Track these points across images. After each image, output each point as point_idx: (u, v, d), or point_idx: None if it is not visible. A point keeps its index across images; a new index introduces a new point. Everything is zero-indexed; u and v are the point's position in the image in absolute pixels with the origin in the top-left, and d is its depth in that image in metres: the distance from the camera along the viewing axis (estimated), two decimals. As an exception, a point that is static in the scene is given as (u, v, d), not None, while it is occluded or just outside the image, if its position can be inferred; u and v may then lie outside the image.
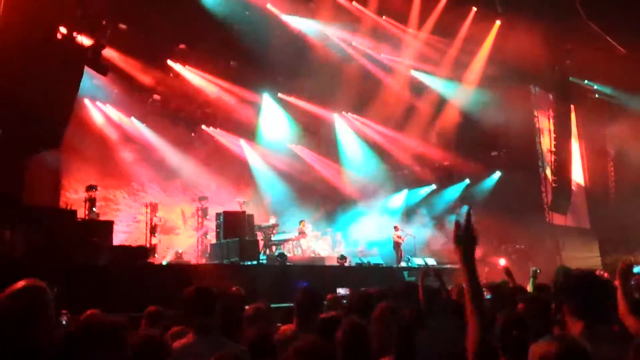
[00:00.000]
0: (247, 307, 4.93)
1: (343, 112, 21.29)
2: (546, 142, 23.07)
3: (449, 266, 16.53)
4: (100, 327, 2.48)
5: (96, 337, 2.43)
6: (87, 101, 15.59)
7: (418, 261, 16.26)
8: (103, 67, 11.77)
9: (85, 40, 10.87)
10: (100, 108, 16.17)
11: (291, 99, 20.01)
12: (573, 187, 23.08)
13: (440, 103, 20.72)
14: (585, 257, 20.99)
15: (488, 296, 5.35)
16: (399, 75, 20.30)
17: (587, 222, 23.85)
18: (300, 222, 16.67)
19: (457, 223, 2.60)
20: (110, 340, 2.44)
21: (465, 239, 2.56)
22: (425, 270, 6.87)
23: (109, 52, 13.95)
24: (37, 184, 10.86)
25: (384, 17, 18.46)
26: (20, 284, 2.77)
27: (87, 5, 10.79)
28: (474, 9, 18.22)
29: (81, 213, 13.03)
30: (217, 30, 16.05)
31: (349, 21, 18.51)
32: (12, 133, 8.88)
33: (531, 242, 20.00)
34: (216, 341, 3.42)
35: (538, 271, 8.12)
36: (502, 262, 18.64)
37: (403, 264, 16.37)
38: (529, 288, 7.37)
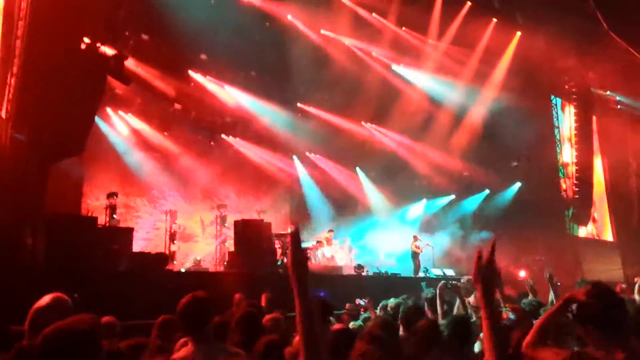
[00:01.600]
0: (265, 317, 4.97)
1: (362, 122, 21.31)
2: (567, 153, 22.87)
3: (467, 277, 16.43)
4: (63, 338, 2.17)
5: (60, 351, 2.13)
6: (109, 110, 15.84)
7: (436, 272, 16.18)
8: (126, 77, 11.95)
9: (108, 50, 11.08)
10: (122, 116, 16.41)
11: (310, 109, 20.12)
12: (594, 199, 22.80)
13: (460, 113, 20.64)
14: (607, 269, 20.69)
15: (512, 316, 5.24)
16: (418, 85, 20.30)
17: (608, 233, 23.51)
18: (329, 231, 16.78)
19: (479, 256, 2.37)
20: (77, 350, 2.15)
21: (486, 274, 2.33)
22: (444, 284, 6.83)
23: (131, 62, 14.18)
24: (59, 192, 11.04)
25: (403, 28, 18.49)
26: (48, 297, 2.86)
27: (110, 17, 11.01)
28: (494, 19, 18.18)
29: (102, 220, 13.20)
30: (238, 41, 16.22)
31: (369, 32, 18.59)
32: (35, 140, 9.06)
33: (552, 253, 19.82)
34: (214, 349, 3.45)
35: (557, 282, 8.01)
36: (522, 273, 18.47)
37: (421, 274, 16.30)
38: (550, 297, 7.27)
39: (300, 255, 2.16)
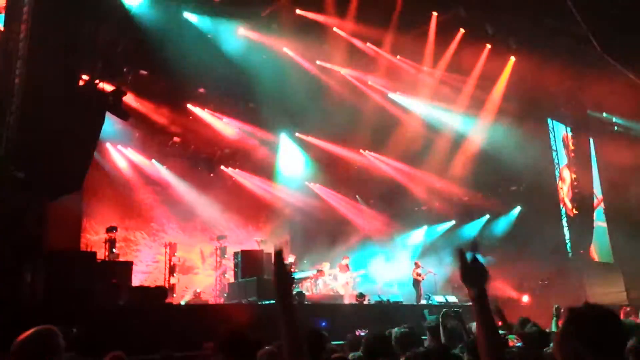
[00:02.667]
0: (260, 351, 4.89)
1: (361, 150, 21.42)
2: (566, 176, 22.91)
3: (470, 304, 16.29)
4: None
5: None
6: (108, 145, 15.95)
7: (439, 299, 16.06)
8: (124, 113, 12.05)
9: (106, 87, 11.22)
10: (121, 151, 16.51)
11: (309, 138, 20.26)
12: (595, 221, 22.75)
13: (458, 139, 20.73)
14: (610, 292, 20.53)
15: (519, 344, 5.19)
16: (415, 112, 20.45)
17: (610, 256, 23.41)
18: (344, 257, 16.84)
19: (462, 256, 2.31)
20: None
21: (473, 274, 2.26)
22: (446, 312, 6.75)
23: (130, 97, 14.34)
24: (59, 227, 11.06)
25: (398, 56, 18.71)
26: (32, 330, 2.90)
27: (108, 54, 11.16)
28: (488, 46, 18.38)
29: (101, 254, 13.20)
30: (235, 74, 16.42)
31: (364, 62, 18.82)
32: (34, 177, 9.10)
33: (554, 277, 19.68)
34: None
35: (562, 309, 7.97)
36: (525, 298, 18.35)
37: (423, 302, 16.18)
38: (552, 326, 7.23)
39: (284, 268, 2.35)
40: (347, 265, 16.77)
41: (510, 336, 5.34)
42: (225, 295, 15.58)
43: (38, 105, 9.01)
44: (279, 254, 2.45)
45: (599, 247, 23.12)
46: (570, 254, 21.59)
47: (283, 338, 2.22)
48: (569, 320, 2.60)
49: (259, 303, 12.49)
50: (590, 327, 2.61)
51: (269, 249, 16.38)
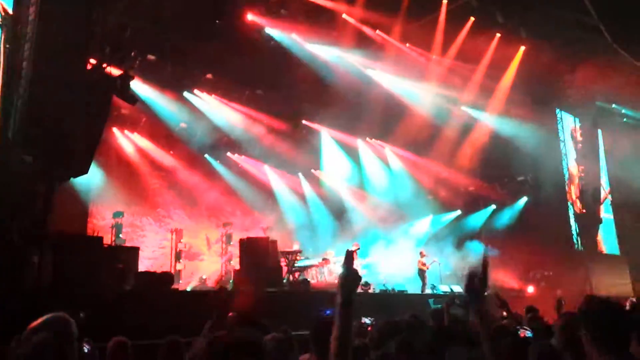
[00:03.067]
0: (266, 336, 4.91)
1: (367, 138, 21.36)
2: (574, 167, 22.79)
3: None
4: None
5: None
6: (115, 129, 15.93)
7: (444, 288, 16.05)
8: (132, 97, 11.99)
9: (114, 71, 11.17)
10: (128, 136, 16.49)
11: (315, 126, 20.20)
12: (602, 212, 22.66)
13: (465, 128, 20.64)
14: (616, 283, 20.50)
15: (529, 333, 5.19)
16: (423, 101, 20.33)
17: (616, 248, 23.34)
18: (353, 244, 16.82)
19: (472, 275, 2.58)
20: None
21: (477, 288, 2.56)
22: (452, 298, 6.73)
23: (137, 82, 14.29)
24: (66, 211, 11.08)
25: (407, 44, 18.56)
26: (45, 317, 2.87)
27: (116, 38, 11.10)
28: (498, 34, 18.20)
29: (108, 239, 13.23)
30: (244, 60, 16.34)
31: (373, 49, 18.69)
32: (42, 161, 9.10)
33: (560, 268, 19.64)
34: None
35: (563, 301, 7.97)
36: (531, 289, 18.33)
37: (428, 291, 16.18)
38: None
39: (353, 270, 2.36)
40: (356, 252, 16.74)
41: (522, 328, 5.35)
42: (230, 282, 15.62)
43: (46, 89, 8.96)
44: (349, 254, 2.49)
45: (606, 239, 23.04)
46: (576, 245, 21.52)
47: (334, 338, 2.25)
48: (575, 315, 2.74)
49: (264, 290, 12.50)
50: (595, 321, 2.71)
51: (274, 236, 16.43)
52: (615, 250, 23.23)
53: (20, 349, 2.59)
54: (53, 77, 9.03)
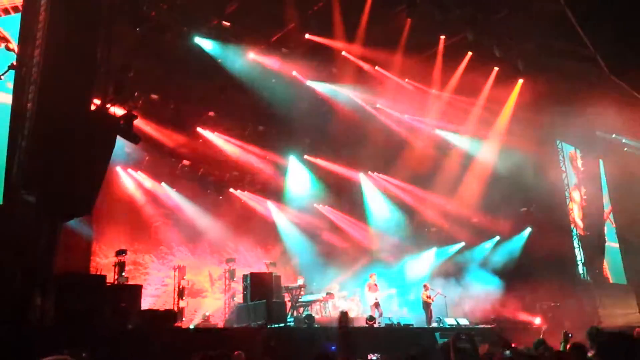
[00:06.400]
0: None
1: (369, 172, 21.46)
2: (576, 197, 22.79)
3: (481, 326, 16.14)
4: None
5: None
6: (118, 168, 16.06)
7: (450, 321, 15.88)
8: (135, 136, 12.12)
9: (118, 111, 11.34)
10: (131, 174, 16.61)
11: (317, 161, 20.33)
12: (606, 242, 22.55)
13: (467, 161, 20.73)
14: (624, 313, 20.27)
15: None
16: (423, 134, 20.49)
17: (623, 277, 23.16)
18: (370, 275, 16.79)
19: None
20: None
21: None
22: (458, 334, 6.70)
23: (140, 120, 14.46)
24: (69, 251, 11.11)
25: (406, 79, 18.80)
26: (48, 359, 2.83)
27: (120, 79, 11.30)
28: (496, 68, 18.44)
29: (111, 277, 13.21)
30: (245, 98, 16.57)
31: (373, 84, 18.93)
32: (45, 201, 9.16)
33: (567, 299, 19.47)
34: None
35: (570, 335, 7.94)
36: (538, 320, 18.11)
37: (434, 324, 16.01)
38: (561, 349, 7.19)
39: (347, 328, 2.48)
40: (375, 284, 16.63)
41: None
42: (233, 314, 15.37)
43: (50, 130, 9.10)
44: (344, 314, 2.59)
45: (613, 269, 22.89)
46: (582, 275, 21.37)
47: None
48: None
49: (268, 327, 12.40)
50: (608, 351, 2.74)
51: (278, 271, 16.37)
52: (622, 280, 23.05)
53: None
54: (57, 118, 9.17)
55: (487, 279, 19.38)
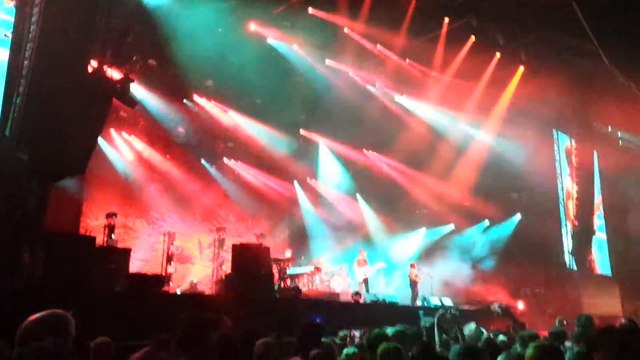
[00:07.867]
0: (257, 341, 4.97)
1: (364, 150, 21.46)
2: (568, 187, 22.93)
3: (466, 307, 16.35)
4: None
5: None
6: (112, 131, 16.00)
7: (434, 301, 16.08)
8: (131, 100, 12.07)
9: (115, 74, 11.26)
10: (126, 138, 16.56)
11: (312, 136, 20.31)
12: (595, 233, 22.77)
13: (462, 144, 20.77)
14: (605, 303, 20.58)
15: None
16: (421, 116, 20.47)
17: (609, 268, 23.45)
18: (360, 251, 16.94)
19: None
20: None
21: None
22: (443, 314, 6.86)
23: (137, 85, 14.39)
24: (59, 210, 11.11)
25: (407, 60, 18.72)
26: (44, 312, 2.80)
27: (118, 42, 11.20)
28: (498, 54, 18.36)
29: (100, 239, 13.25)
30: (244, 69, 16.45)
31: (373, 63, 18.84)
32: (38, 159, 9.15)
33: (551, 286, 19.75)
34: None
35: (566, 322, 8.06)
36: (521, 305, 18.38)
37: (419, 303, 16.21)
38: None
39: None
40: (364, 260, 16.77)
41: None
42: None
43: (46, 89, 9.05)
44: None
45: (599, 259, 23.16)
46: (568, 264, 21.63)
47: None
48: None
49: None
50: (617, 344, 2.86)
51: (267, 243, 16.45)
52: (607, 271, 23.35)
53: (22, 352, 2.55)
54: (53, 78, 9.12)
55: (474, 262, 19.60)
